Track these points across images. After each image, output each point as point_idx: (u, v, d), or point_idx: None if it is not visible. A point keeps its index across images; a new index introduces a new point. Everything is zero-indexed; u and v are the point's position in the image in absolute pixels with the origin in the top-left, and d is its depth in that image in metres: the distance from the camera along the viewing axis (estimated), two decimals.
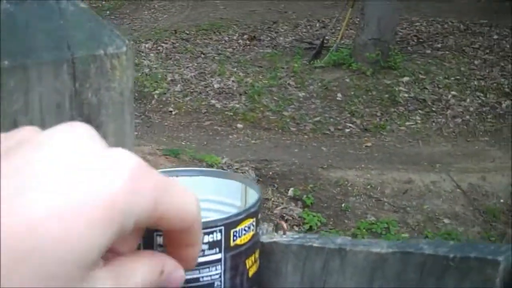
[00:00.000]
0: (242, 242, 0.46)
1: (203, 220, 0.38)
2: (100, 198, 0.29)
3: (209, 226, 0.44)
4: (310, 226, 4.64)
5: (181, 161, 5.19)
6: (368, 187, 5.10)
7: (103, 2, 9.86)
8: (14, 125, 0.51)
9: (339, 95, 6.52)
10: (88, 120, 0.54)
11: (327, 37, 7.59)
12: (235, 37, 8.23)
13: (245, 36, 8.24)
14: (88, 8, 0.55)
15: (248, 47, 7.96)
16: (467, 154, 5.66)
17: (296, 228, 4.70)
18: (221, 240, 0.45)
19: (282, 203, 4.97)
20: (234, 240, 0.46)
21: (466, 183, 5.15)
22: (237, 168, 5.36)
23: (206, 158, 5.23)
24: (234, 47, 7.95)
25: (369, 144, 5.79)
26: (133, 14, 9.44)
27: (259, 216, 0.49)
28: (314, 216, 4.72)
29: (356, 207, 4.92)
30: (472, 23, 8.25)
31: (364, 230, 4.63)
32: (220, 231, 0.45)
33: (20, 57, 0.49)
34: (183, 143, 5.77)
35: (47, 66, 0.50)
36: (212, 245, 0.45)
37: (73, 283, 0.28)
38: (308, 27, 8.52)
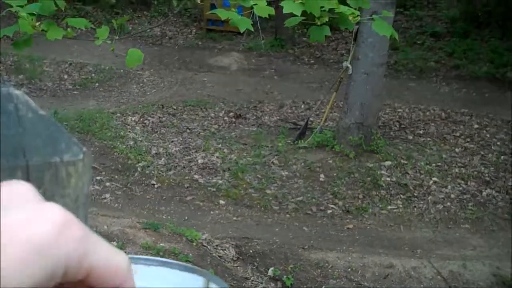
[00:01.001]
0: None
1: None
2: (32, 240, 0.32)
3: None
4: None
5: (161, 235, 5.11)
6: (349, 270, 5.04)
7: (93, 75, 10.00)
8: None
9: (322, 176, 6.56)
10: None
11: (311, 119, 7.73)
12: (221, 114, 8.34)
13: (231, 114, 8.36)
14: (47, 115, 0.57)
15: (234, 124, 8.06)
16: (448, 241, 5.65)
17: None
18: None
19: (262, 283, 4.87)
20: None
21: (447, 270, 5.12)
22: (217, 245, 5.29)
23: (186, 233, 5.16)
24: (220, 124, 8.04)
25: (350, 226, 5.77)
26: (122, 87, 9.56)
27: None
28: None
29: None
30: (453, 111, 8.47)
31: None
32: None
33: None
34: (164, 217, 5.71)
35: (2, 174, 0.52)
36: None
37: None
38: (293, 108, 8.68)
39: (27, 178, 0.51)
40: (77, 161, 0.53)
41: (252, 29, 2.74)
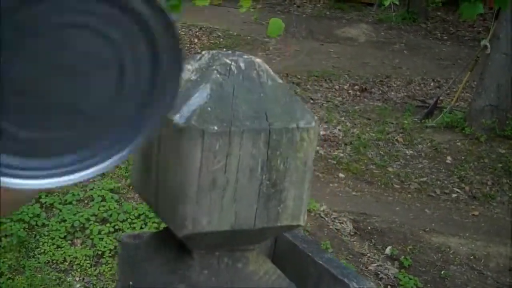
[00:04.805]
0: None
1: None
2: None
3: None
4: None
5: None
6: (471, 257, 4.85)
7: (221, 40, 10.22)
8: (213, 183, 0.58)
9: (448, 158, 6.31)
10: (274, 184, 0.59)
11: (441, 98, 7.42)
12: (345, 87, 8.23)
13: (356, 87, 8.23)
14: (284, 84, 0.62)
15: (358, 98, 7.93)
16: None
17: None
18: None
19: (378, 260, 4.82)
20: None
21: None
22: (334, 218, 5.28)
23: None
24: (344, 97, 7.95)
25: (476, 213, 5.53)
26: (248, 54, 9.69)
27: None
28: (410, 279, 4.54)
29: (457, 276, 4.68)
30: None
31: None
32: None
33: (226, 124, 0.53)
34: None
35: (248, 134, 0.56)
36: None
37: None
38: (422, 85, 8.38)
39: (268, 141, 0.55)
40: (310, 128, 0.57)
41: (397, 3, 2.65)
